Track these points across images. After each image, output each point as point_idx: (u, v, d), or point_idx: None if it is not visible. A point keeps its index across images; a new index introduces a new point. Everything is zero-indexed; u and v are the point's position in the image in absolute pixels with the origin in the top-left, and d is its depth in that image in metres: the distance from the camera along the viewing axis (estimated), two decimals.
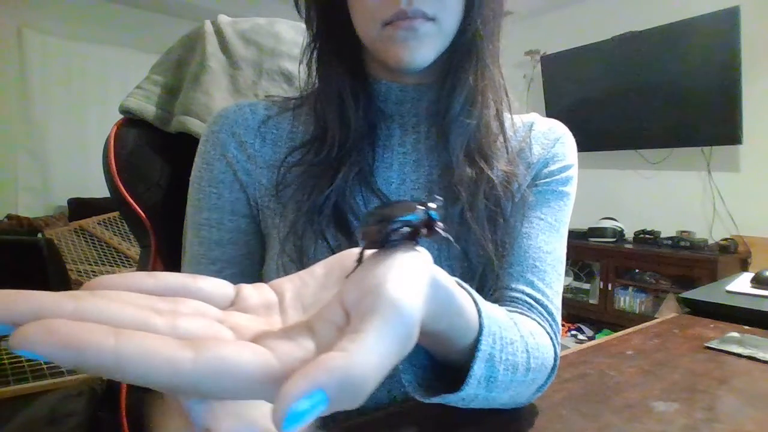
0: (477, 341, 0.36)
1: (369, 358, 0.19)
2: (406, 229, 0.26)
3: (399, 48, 0.47)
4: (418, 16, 0.46)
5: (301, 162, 0.52)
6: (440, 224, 0.27)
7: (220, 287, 0.25)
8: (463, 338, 0.36)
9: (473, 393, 0.37)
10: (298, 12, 0.54)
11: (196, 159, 0.55)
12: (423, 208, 0.27)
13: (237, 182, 0.53)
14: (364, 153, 0.52)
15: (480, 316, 0.36)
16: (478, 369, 0.36)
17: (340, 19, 0.51)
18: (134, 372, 0.17)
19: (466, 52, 0.51)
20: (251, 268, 0.56)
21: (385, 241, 0.26)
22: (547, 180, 0.55)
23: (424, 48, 0.48)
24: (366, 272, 0.24)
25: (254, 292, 0.26)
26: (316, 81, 0.55)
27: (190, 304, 0.23)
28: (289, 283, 0.27)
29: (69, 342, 0.16)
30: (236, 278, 0.53)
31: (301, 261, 0.49)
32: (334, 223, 0.49)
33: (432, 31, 0.47)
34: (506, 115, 0.56)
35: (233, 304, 0.25)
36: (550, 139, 0.58)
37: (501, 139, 0.54)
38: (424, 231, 0.27)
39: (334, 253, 0.49)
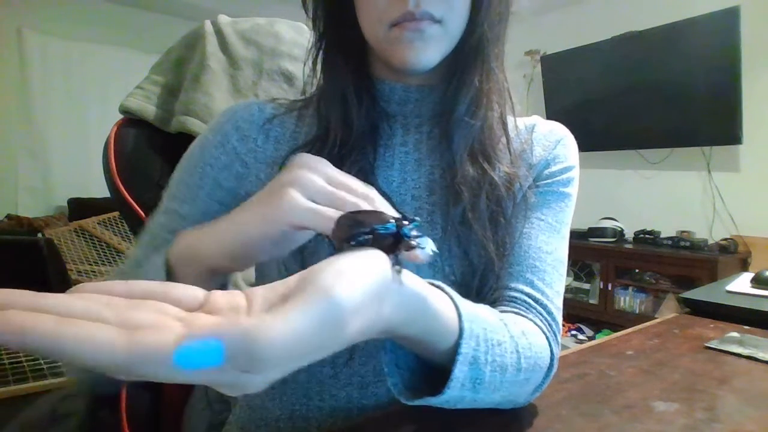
0: (457, 344, 0.36)
1: (278, 328, 0.20)
2: (369, 237, 0.28)
3: (405, 49, 0.47)
4: (425, 17, 0.46)
5: None
6: (411, 243, 0.29)
7: (190, 291, 0.26)
8: (444, 342, 0.36)
9: (457, 395, 0.37)
10: (305, 11, 0.54)
11: (197, 139, 0.56)
12: (395, 222, 0.29)
13: (227, 170, 0.53)
14: (365, 152, 0.52)
15: (460, 319, 0.36)
16: (459, 372, 0.36)
17: (346, 19, 0.51)
18: (71, 352, 0.19)
19: (471, 54, 0.51)
20: None
21: (351, 241, 0.28)
22: (548, 181, 0.56)
23: (430, 50, 0.48)
24: (314, 266, 0.25)
25: (223, 297, 0.26)
26: (321, 80, 0.55)
27: (153, 304, 0.24)
28: (261, 290, 0.28)
29: (16, 327, 0.18)
30: None
31: (301, 254, 0.49)
32: None
33: (438, 33, 0.48)
34: (509, 118, 0.56)
35: (201, 307, 0.26)
36: (551, 140, 0.58)
37: (503, 140, 0.55)
38: (390, 242, 0.29)
39: (334, 248, 0.49)
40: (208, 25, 0.78)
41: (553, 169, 0.56)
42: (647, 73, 2.89)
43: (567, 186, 0.56)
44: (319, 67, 0.55)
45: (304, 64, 0.56)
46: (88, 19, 3.71)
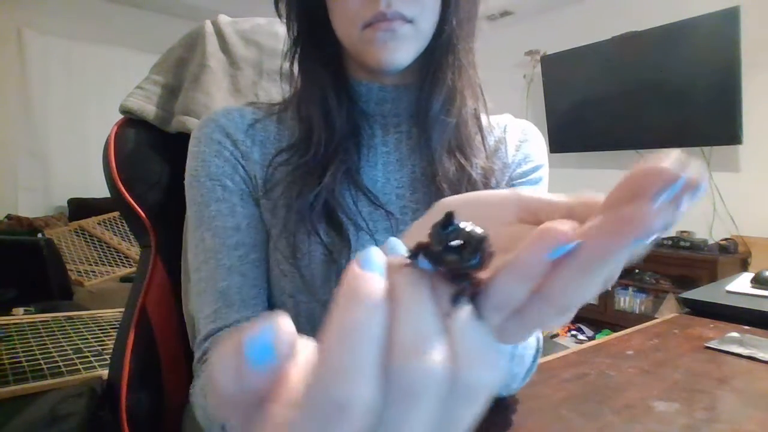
0: None
1: None
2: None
3: (379, 49, 0.48)
4: (396, 17, 0.47)
5: (288, 162, 0.52)
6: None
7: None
8: None
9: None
10: (279, 15, 0.55)
11: (189, 162, 0.55)
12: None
13: (237, 175, 0.53)
14: (350, 152, 0.53)
15: None
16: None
17: (320, 21, 0.52)
18: None
19: (443, 52, 0.52)
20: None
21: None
22: (522, 180, 0.57)
23: (403, 49, 0.49)
24: None
25: None
26: (299, 83, 0.55)
27: None
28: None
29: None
30: (262, 264, 0.53)
31: (294, 257, 0.50)
32: (325, 220, 0.50)
33: (410, 33, 0.48)
34: (482, 115, 0.57)
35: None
36: (521, 140, 0.59)
37: (479, 137, 0.55)
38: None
39: (328, 249, 0.49)
40: (209, 26, 0.77)
41: (525, 168, 0.58)
42: (647, 73, 2.89)
43: (538, 184, 0.58)
44: (296, 69, 0.55)
45: (281, 67, 0.56)
46: (88, 19, 3.72)
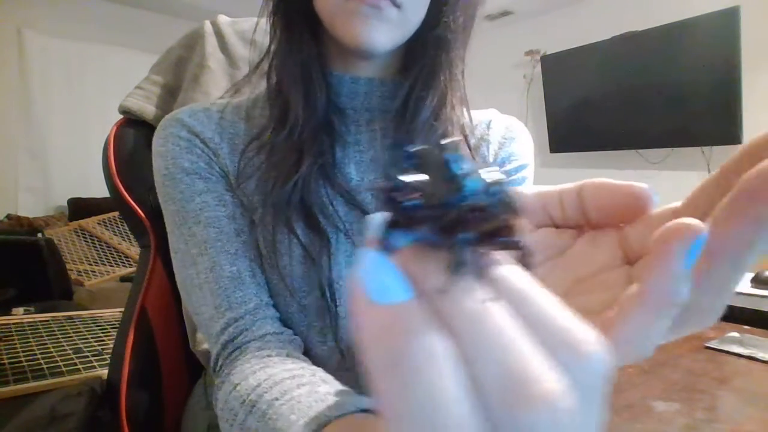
0: None
1: None
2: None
3: (359, 24, 0.45)
4: None
5: (261, 150, 0.50)
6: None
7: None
8: None
9: None
10: None
11: (157, 162, 0.52)
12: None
13: (214, 170, 0.52)
14: (324, 147, 0.51)
15: None
16: None
17: None
18: None
19: (437, 51, 0.50)
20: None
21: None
22: None
23: (384, 32, 0.46)
24: None
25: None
26: (275, 53, 0.52)
27: None
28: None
29: None
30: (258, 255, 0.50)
31: (274, 253, 0.48)
32: (303, 219, 0.49)
33: (395, 18, 0.46)
34: (464, 113, 0.55)
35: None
36: (506, 137, 0.57)
37: (462, 145, 0.54)
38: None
39: (305, 248, 0.48)
40: (208, 26, 0.77)
41: (508, 167, 0.56)
42: (647, 73, 2.89)
43: (521, 185, 0.56)
44: (275, 37, 0.52)
45: (251, 44, 0.54)
46: (88, 19, 3.71)
